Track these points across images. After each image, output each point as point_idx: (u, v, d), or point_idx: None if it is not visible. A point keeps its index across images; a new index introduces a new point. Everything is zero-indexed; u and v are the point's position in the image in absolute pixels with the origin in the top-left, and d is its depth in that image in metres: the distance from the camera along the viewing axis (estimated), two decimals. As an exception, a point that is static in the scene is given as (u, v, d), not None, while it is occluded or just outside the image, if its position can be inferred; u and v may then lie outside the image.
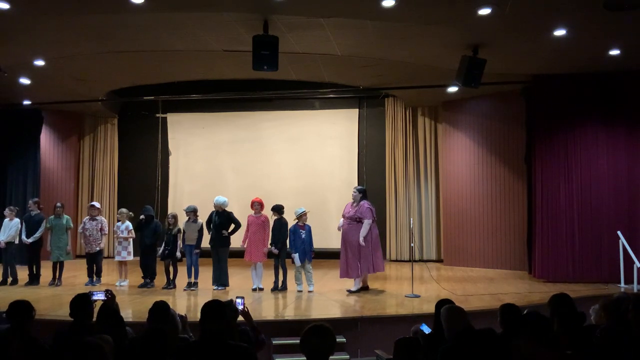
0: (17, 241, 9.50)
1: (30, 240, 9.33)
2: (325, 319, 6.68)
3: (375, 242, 8.45)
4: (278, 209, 8.75)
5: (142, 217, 9.11)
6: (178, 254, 8.88)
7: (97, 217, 9.49)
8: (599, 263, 9.48)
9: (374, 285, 9.15)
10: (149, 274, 9.10)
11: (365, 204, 8.36)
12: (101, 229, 9.41)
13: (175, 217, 9.10)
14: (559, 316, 3.86)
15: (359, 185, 10.11)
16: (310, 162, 13.25)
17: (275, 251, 8.59)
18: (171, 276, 8.91)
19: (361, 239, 8.17)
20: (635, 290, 8.49)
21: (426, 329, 4.13)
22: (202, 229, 8.95)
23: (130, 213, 9.62)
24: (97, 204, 9.77)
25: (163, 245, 8.93)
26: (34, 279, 9.30)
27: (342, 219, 8.58)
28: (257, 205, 8.78)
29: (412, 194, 12.87)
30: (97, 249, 9.38)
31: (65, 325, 4.04)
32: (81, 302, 3.85)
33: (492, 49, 8.22)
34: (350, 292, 8.30)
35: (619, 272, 8.92)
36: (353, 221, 8.31)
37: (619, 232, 9.05)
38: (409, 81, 10.69)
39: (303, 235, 8.46)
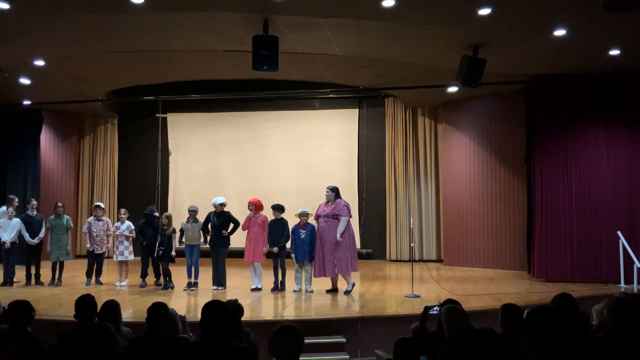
0: (18, 241, 9.52)
1: (36, 240, 9.38)
2: (325, 319, 6.70)
3: (352, 241, 8.42)
4: (278, 208, 8.75)
5: (143, 221, 9.18)
6: (173, 253, 8.87)
7: (103, 218, 9.54)
8: (598, 263, 9.47)
9: (374, 286, 9.15)
10: (159, 275, 9.12)
11: (342, 201, 8.39)
12: (107, 230, 9.44)
13: (169, 217, 9.09)
14: (561, 316, 3.85)
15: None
16: (310, 162, 13.24)
17: (276, 250, 8.59)
18: (167, 277, 8.89)
19: (338, 235, 8.16)
20: (635, 290, 8.49)
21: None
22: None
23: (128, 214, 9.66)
24: (102, 205, 9.84)
25: (157, 245, 8.90)
26: (35, 279, 9.30)
27: (314, 220, 8.55)
28: (252, 205, 8.78)
29: (412, 194, 12.87)
30: (103, 250, 9.42)
31: (67, 325, 4.04)
32: (85, 303, 3.86)
33: (492, 49, 8.22)
34: (347, 292, 8.29)
35: (619, 272, 8.92)
36: (330, 219, 8.29)
37: (619, 232, 9.04)
38: (409, 81, 10.69)
39: (302, 236, 8.48)
